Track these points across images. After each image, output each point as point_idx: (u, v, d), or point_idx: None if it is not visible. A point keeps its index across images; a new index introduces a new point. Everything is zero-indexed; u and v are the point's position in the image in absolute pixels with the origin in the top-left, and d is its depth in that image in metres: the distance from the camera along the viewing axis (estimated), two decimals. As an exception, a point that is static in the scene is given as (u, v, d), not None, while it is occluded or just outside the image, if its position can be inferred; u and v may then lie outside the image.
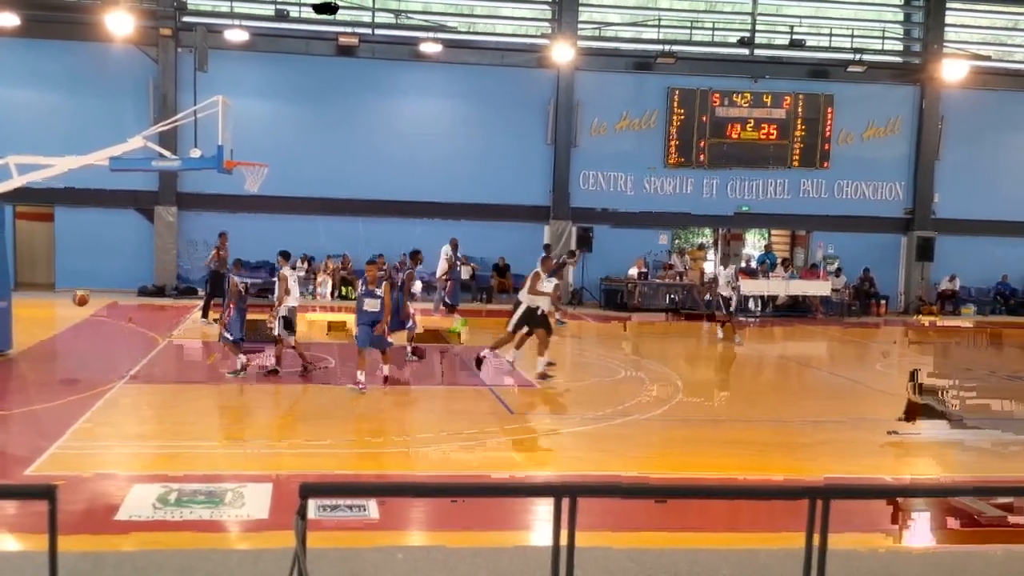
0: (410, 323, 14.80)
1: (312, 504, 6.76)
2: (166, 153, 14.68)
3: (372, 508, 7.08)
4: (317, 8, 20.83)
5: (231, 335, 12.47)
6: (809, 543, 4.35)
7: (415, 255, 16.19)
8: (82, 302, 12.89)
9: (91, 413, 10.16)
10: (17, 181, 13.25)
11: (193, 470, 8.18)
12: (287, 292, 12.62)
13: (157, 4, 23.90)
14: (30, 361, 13.70)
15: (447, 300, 18.54)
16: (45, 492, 3.93)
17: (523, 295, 13.11)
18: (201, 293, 23.97)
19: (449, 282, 18.52)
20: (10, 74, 23.69)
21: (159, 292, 23.74)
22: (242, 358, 12.51)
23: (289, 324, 12.70)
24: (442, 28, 25.57)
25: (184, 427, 10.05)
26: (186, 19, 24.24)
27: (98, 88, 23.80)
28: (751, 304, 26.13)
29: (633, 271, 25.61)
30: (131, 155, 13.76)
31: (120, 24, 21.80)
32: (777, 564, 6.25)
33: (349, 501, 7.11)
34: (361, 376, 11.74)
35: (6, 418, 10.14)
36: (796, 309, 25.45)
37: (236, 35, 23.67)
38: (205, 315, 18.54)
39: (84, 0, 22.98)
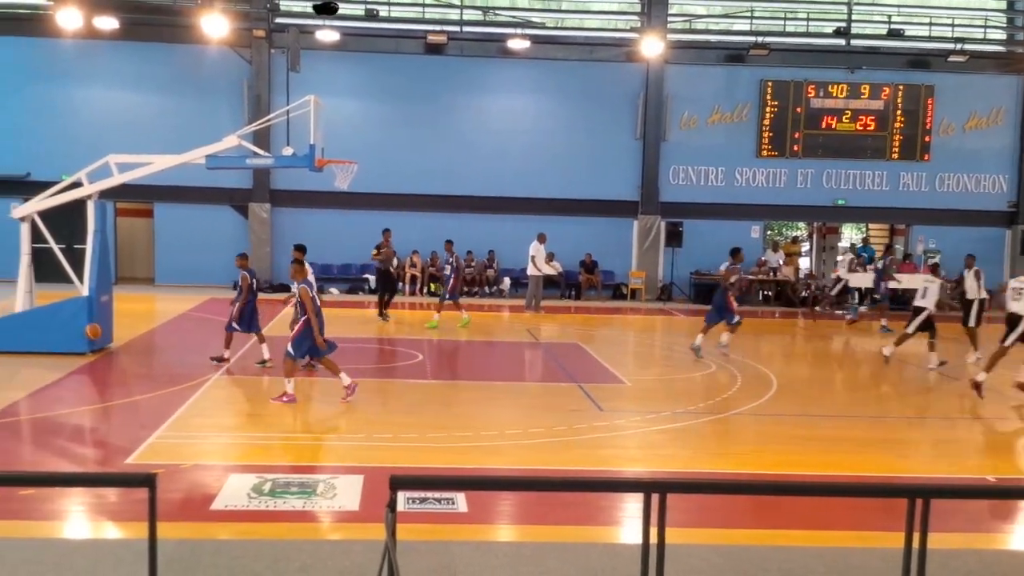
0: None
1: (401, 497, 6.80)
2: (260, 151, 14.97)
3: (461, 501, 7.06)
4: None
5: (239, 327, 12.91)
6: (908, 543, 4.20)
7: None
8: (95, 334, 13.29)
9: (188, 404, 10.44)
10: (117, 179, 13.69)
11: (287, 461, 8.30)
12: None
13: (251, 6, 24.50)
14: (130, 354, 14.19)
15: (447, 295, 18.32)
16: (145, 481, 4.01)
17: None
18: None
19: (452, 278, 18.26)
20: (110, 76, 24.62)
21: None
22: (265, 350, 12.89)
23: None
24: (530, 24, 25.55)
25: (277, 419, 10.22)
26: (279, 20, 24.79)
27: (194, 89, 24.54)
28: (849, 298, 25.48)
29: (724, 266, 25.06)
30: (226, 153, 14.05)
31: (215, 27, 22.39)
32: (873, 564, 6.08)
33: (438, 494, 7.10)
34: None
35: (108, 409, 10.50)
36: (895, 303, 24.62)
37: (327, 35, 24.09)
38: (381, 313, 19.02)
39: (181, 4, 23.67)
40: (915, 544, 4.19)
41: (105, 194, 14.21)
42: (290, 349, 10.63)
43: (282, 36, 23.64)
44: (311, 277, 11.46)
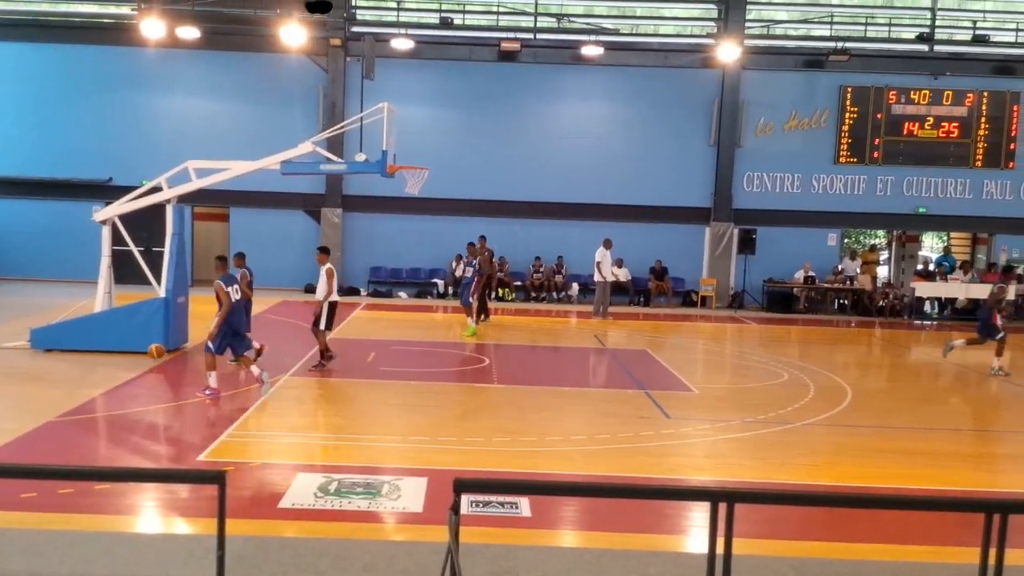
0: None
1: (465, 500, 6.80)
2: (333, 157, 15.20)
3: (524, 506, 7.02)
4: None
5: (212, 347, 11.06)
6: (984, 559, 4.07)
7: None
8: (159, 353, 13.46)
9: (259, 404, 10.63)
10: (195, 184, 14.05)
11: (353, 462, 8.37)
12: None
13: (327, 16, 24.92)
14: (204, 355, 14.45)
15: (469, 299, 18.04)
16: (215, 478, 4.08)
17: None
18: (364, 293, 24.91)
19: (474, 281, 18.06)
20: (191, 84, 25.29)
21: (325, 291, 24.64)
22: (212, 377, 11.05)
23: (331, 317, 12.96)
24: (604, 31, 25.47)
25: (345, 420, 10.34)
26: (355, 29, 25.16)
27: (271, 96, 25.07)
28: (927, 307, 24.84)
29: (799, 274, 24.79)
30: (301, 159, 14.29)
31: (293, 36, 22.85)
32: None
33: (502, 498, 7.08)
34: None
35: (181, 407, 10.74)
36: (976, 314, 23.87)
37: (402, 43, 24.36)
38: (485, 318, 19.31)
39: (260, 14, 24.23)
40: (991, 560, 4.08)
41: (183, 198, 14.60)
42: (209, 344, 11.07)
43: (358, 44, 24.00)
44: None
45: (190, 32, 23.55)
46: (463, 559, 4.15)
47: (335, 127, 17.58)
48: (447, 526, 4.02)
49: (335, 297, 13.01)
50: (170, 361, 13.39)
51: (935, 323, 23.94)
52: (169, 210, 14.13)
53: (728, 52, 24.14)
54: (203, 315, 16.92)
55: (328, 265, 13.04)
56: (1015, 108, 25.25)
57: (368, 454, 8.78)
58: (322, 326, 12.78)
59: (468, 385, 12.57)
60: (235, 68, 25.04)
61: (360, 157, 14.57)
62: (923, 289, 24.40)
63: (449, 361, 14.59)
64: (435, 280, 25.24)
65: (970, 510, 4.45)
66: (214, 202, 24.42)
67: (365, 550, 6.09)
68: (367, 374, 13.00)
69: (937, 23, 25.58)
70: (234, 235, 25.57)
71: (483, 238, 20.58)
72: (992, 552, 4.06)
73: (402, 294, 25.07)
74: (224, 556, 4.15)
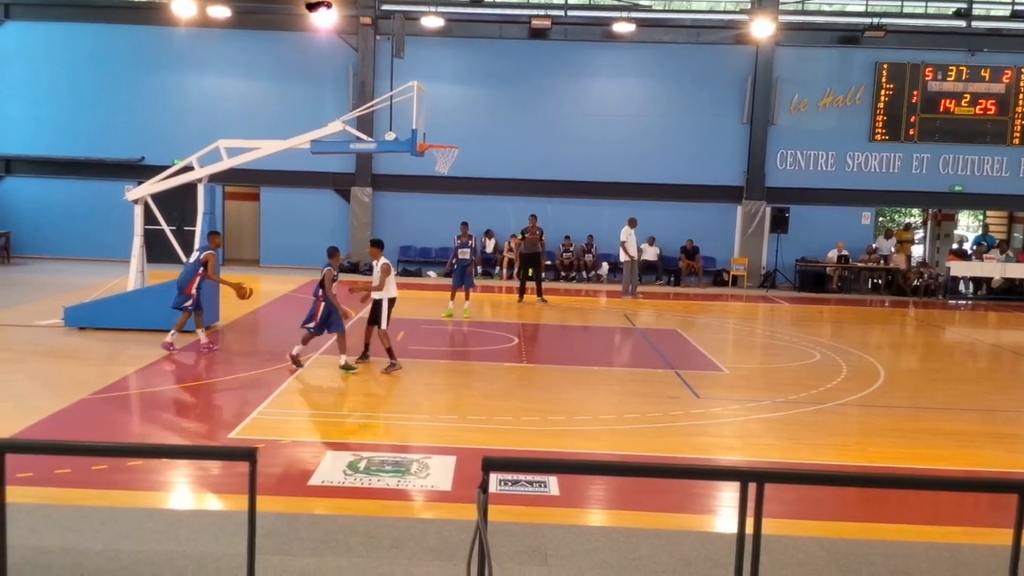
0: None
1: (494, 478, 6.78)
2: (363, 136, 15.18)
3: (553, 485, 7.01)
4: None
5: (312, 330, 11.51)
6: (1017, 539, 4.02)
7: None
8: (244, 295, 13.24)
9: (289, 382, 10.70)
10: (226, 163, 14.12)
11: (382, 440, 8.40)
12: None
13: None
14: (235, 333, 14.63)
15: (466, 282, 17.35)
16: (247, 455, 4.08)
17: None
18: (394, 272, 24.96)
19: (470, 263, 17.43)
20: (222, 64, 25.38)
21: (353, 269, 24.79)
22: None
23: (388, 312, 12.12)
24: (636, 7, 25.19)
25: (374, 399, 10.38)
26: (385, 7, 25.08)
27: (301, 76, 25.09)
28: (962, 287, 24.50)
29: (833, 253, 24.53)
30: (331, 138, 14.30)
31: (325, 16, 22.80)
32: (981, 560, 5.83)
33: (530, 477, 7.07)
34: None
35: (213, 385, 10.84)
36: (1013, 293, 23.66)
37: (432, 22, 24.26)
38: (541, 296, 19.45)
39: (290, -8, 24.23)
40: None
41: (215, 178, 14.67)
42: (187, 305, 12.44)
43: (388, 23, 23.92)
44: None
45: (221, 11, 23.62)
46: (491, 537, 4.14)
47: (365, 106, 17.58)
48: (475, 504, 4.01)
49: (394, 293, 12.12)
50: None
51: (970, 303, 23.62)
52: (200, 189, 14.22)
53: (762, 28, 23.78)
54: (233, 294, 17.07)
55: (384, 260, 12.38)
56: (1055, 84, 24.71)
57: (397, 432, 8.81)
58: (383, 325, 11.78)
59: (497, 364, 12.55)
60: (265, 47, 25.09)
61: (390, 136, 14.55)
62: (958, 268, 24.10)
63: (478, 340, 14.58)
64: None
65: (1003, 491, 4.39)
66: (245, 181, 24.56)
67: (394, 527, 6.11)
68: (397, 353, 12.99)
69: (974, -1, 25.07)
70: (264, 214, 25.73)
71: (533, 217, 20.48)
72: None
73: (431, 273, 25.10)
74: (255, 532, 4.17)
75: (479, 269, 24.51)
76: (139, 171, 23.32)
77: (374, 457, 7.66)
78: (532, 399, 10.35)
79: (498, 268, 24.90)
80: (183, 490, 7.01)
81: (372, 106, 17.19)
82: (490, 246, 25.11)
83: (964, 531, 6.52)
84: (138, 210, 14.47)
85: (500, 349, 13.76)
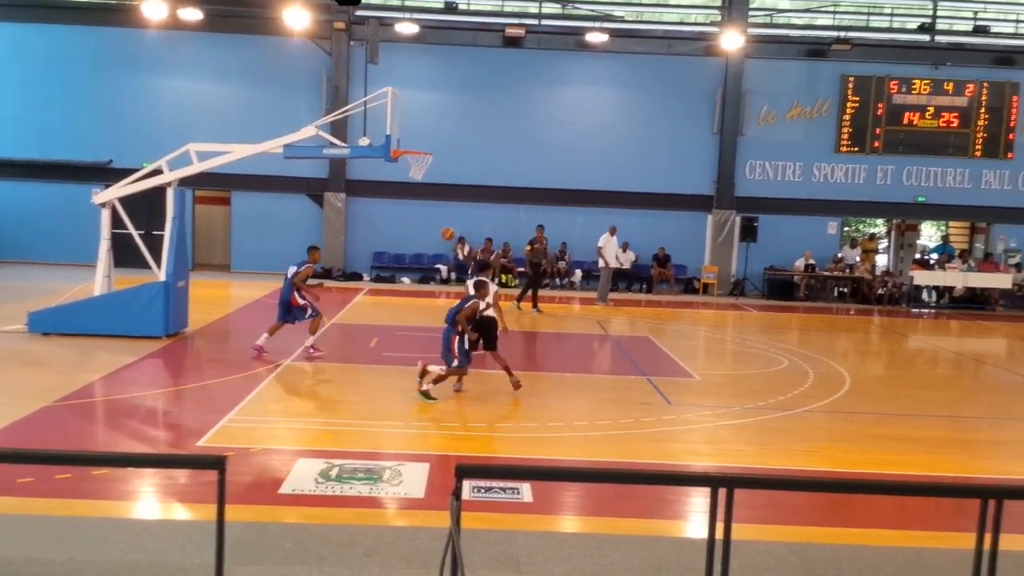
0: None
1: (467, 485, 6.77)
2: (337, 142, 15.09)
3: (526, 492, 7.00)
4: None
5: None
6: (979, 544, 4.13)
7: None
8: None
9: (260, 389, 10.60)
10: (197, 167, 13.98)
11: (354, 447, 8.33)
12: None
13: (331, -1, 24.84)
14: (204, 339, 14.47)
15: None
16: (215, 463, 4.04)
17: None
18: (367, 278, 24.89)
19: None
20: (193, 67, 25.19)
21: (326, 275, 24.62)
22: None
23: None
24: (608, 18, 25.35)
25: (346, 406, 10.31)
26: (359, 13, 25.00)
27: (274, 80, 24.97)
28: (925, 295, 24.89)
29: (800, 262, 24.83)
30: (304, 143, 14.20)
31: (296, 19, 22.72)
32: (945, 564, 5.93)
33: (504, 484, 7.06)
34: None
35: (181, 392, 10.70)
36: (974, 302, 24.15)
37: (406, 28, 24.25)
38: (535, 307, 19.38)
39: (263, -4, 24.11)
40: (987, 545, 4.13)
41: (184, 182, 14.54)
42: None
43: (362, 28, 23.90)
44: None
45: (192, 13, 23.42)
46: (464, 544, 4.13)
47: (338, 111, 17.51)
48: (448, 511, 4.00)
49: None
50: (170, 345, 13.34)
51: (933, 311, 24.00)
52: (170, 193, 14.05)
53: (731, 41, 24.04)
54: (203, 299, 16.96)
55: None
56: (1014, 99, 25.35)
57: (370, 440, 8.74)
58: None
59: (471, 371, 12.49)
60: (238, 51, 24.94)
61: (364, 142, 14.48)
62: (921, 277, 24.52)
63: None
64: (438, 265, 25.21)
65: (967, 496, 4.55)
66: (215, 186, 24.36)
67: (366, 535, 6.06)
68: (370, 359, 12.98)
69: (938, 13, 25.61)
70: (235, 219, 25.53)
71: (541, 227, 20.48)
72: (987, 537, 4.12)
73: (405, 279, 25.05)
74: (224, 542, 4.12)
75: (453, 275, 24.56)
76: (107, 174, 23.01)
77: (346, 465, 7.60)
78: (506, 406, 10.34)
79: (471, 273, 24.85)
80: (150, 499, 6.91)
81: (346, 111, 17.13)
82: (463, 253, 25.07)
83: (929, 535, 6.63)
84: (105, 214, 14.25)
85: (474, 356, 13.68)
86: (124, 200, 14.24)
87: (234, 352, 13.47)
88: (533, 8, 25.42)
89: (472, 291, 10.75)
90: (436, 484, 7.11)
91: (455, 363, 10.39)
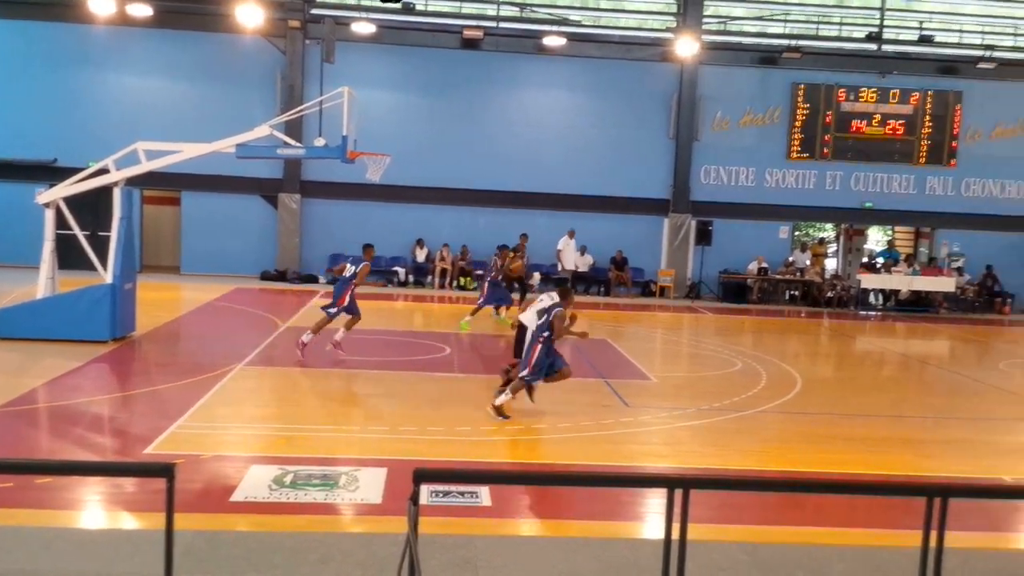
0: None
1: (425, 490, 6.68)
2: (291, 142, 14.89)
3: (485, 495, 6.95)
4: None
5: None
6: (926, 542, 4.24)
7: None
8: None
9: (211, 395, 10.36)
10: (145, 167, 13.64)
11: (309, 453, 8.19)
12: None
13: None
14: (153, 343, 14.14)
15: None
16: (164, 471, 3.99)
17: None
18: (323, 280, 24.59)
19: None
20: (142, 64, 24.68)
21: (280, 277, 24.37)
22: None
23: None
24: (566, 21, 25.42)
25: (301, 411, 10.15)
26: (314, 11, 24.75)
27: (227, 78, 24.59)
28: (872, 298, 25.50)
29: (753, 266, 25.15)
30: (257, 143, 13.98)
31: (250, 16, 22.37)
32: (894, 562, 6.04)
33: (462, 488, 7.00)
34: None
35: (129, 398, 10.44)
36: (919, 305, 24.77)
37: (363, 27, 24.01)
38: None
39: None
40: (932, 543, 4.23)
41: (132, 181, 14.19)
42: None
43: (317, 27, 23.64)
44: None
45: (142, 9, 22.95)
46: (422, 550, 4.08)
47: (293, 111, 17.28)
48: (406, 517, 3.93)
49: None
50: (117, 350, 13.02)
51: (880, 314, 24.48)
52: (117, 193, 13.69)
53: (686, 47, 24.24)
54: (152, 302, 16.61)
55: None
56: (957, 108, 25.92)
57: (325, 445, 8.62)
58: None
59: (429, 374, 12.43)
60: (189, 48, 24.50)
61: (319, 142, 14.31)
62: (868, 281, 25.03)
63: (410, 350, 14.44)
64: (396, 268, 24.99)
65: (913, 494, 4.63)
66: (165, 185, 23.87)
67: (321, 543, 5.95)
68: (325, 363, 12.81)
69: (885, 23, 26.07)
70: (185, 220, 25.09)
71: (524, 236, 20.31)
72: (933, 535, 4.21)
73: (361, 282, 24.78)
74: (172, 551, 4.01)
75: (411, 278, 24.44)
76: (52, 173, 22.37)
77: (301, 471, 7.45)
78: (465, 409, 10.26)
79: (430, 277, 24.71)
80: (96, 509, 6.71)
81: (301, 111, 16.90)
82: (421, 256, 24.95)
83: (878, 534, 6.75)
84: (49, 214, 13.80)
85: (432, 359, 13.64)
86: (69, 200, 13.82)
87: (185, 356, 13.23)
88: (491, 10, 25.37)
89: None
90: (393, 489, 7.00)
91: (526, 375, 9.80)
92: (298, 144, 15.59)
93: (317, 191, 24.77)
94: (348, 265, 13.28)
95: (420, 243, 24.91)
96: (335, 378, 11.72)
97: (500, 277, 17.36)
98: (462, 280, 24.50)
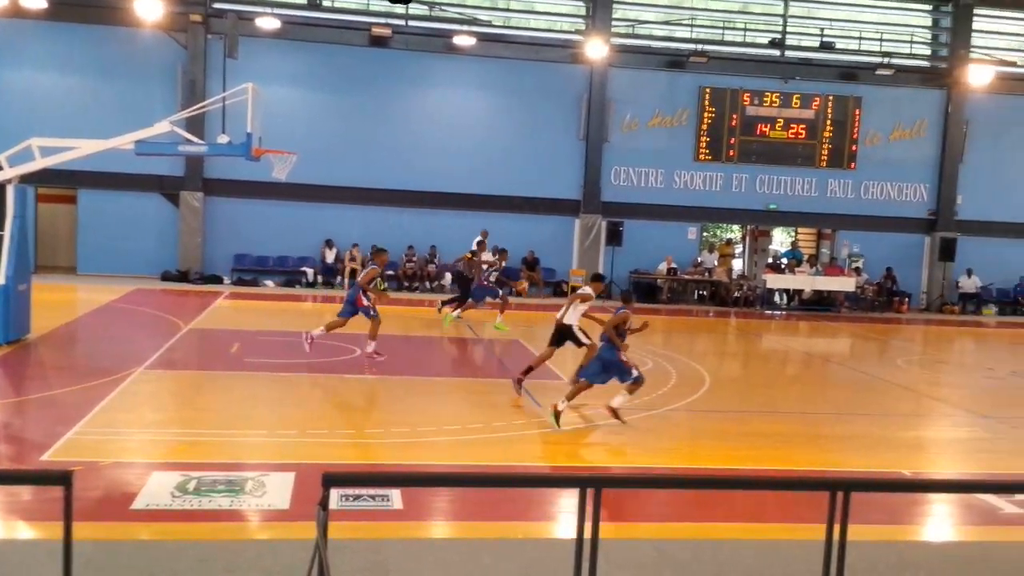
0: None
1: (335, 494, 6.58)
2: (193, 138, 14.53)
3: (396, 498, 6.88)
4: None
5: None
6: (829, 535, 4.34)
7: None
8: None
9: (110, 399, 9.99)
10: (40, 163, 13.12)
11: (213, 459, 7.99)
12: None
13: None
14: (49, 346, 13.59)
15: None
16: (61, 478, 3.84)
17: None
18: (227, 281, 24.02)
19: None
20: (36, 58, 23.73)
21: (182, 277, 23.71)
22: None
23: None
24: (476, 21, 25.40)
25: (205, 415, 9.89)
26: (217, 6, 24.18)
27: (126, 73, 23.80)
28: (777, 298, 26.22)
29: (663, 266, 25.62)
30: (157, 139, 13.60)
31: (149, 9, 21.72)
32: (800, 555, 6.19)
33: (373, 491, 6.91)
34: None
35: (23, 404, 10.02)
36: (821, 304, 25.66)
37: (267, 23, 23.57)
38: (446, 311, 18.37)
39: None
40: (836, 536, 4.32)
41: (26, 179, 13.57)
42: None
43: (220, 22, 23.08)
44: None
45: (35, 1, 22.00)
46: (332, 555, 4.01)
47: (195, 107, 16.82)
48: (315, 522, 3.86)
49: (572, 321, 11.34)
50: (10, 353, 12.45)
51: (784, 313, 25.25)
52: (10, 191, 13.08)
53: (595, 49, 24.54)
54: (47, 304, 15.94)
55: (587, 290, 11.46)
56: (856, 112, 26.89)
57: (231, 450, 8.41)
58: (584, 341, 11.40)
59: (338, 376, 12.27)
60: (86, 41, 23.64)
61: (223, 139, 13.98)
62: (773, 281, 25.77)
63: (319, 352, 14.20)
64: (304, 268, 24.59)
65: (817, 489, 4.76)
66: (61, 183, 22.95)
67: (227, 550, 5.82)
68: (230, 366, 12.51)
69: (788, 30, 26.92)
70: (82, 219, 24.17)
71: (485, 232, 20.19)
72: (836, 528, 4.30)
73: (268, 282, 24.31)
74: (71, 562, 3.86)
75: (320, 279, 24.10)
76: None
77: (205, 477, 7.26)
78: (376, 411, 10.18)
79: (339, 278, 24.37)
80: (-12, 518, 6.41)
81: (203, 107, 16.47)
82: (330, 256, 24.59)
83: (785, 527, 6.91)
84: (-64, 212, 13.18)
85: (342, 360, 13.45)
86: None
87: (83, 359, 12.74)
88: (400, 8, 25.17)
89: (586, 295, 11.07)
90: (302, 494, 6.87)
91: (635, 376, 9.86)
92: (200, 141, 15.22)
93: (221, 189, 24.17)
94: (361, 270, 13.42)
95: (329, 243, 24.57)
96: (241, 381, 11.46)
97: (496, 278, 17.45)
98: (377, 282, 24.17)
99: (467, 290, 18.31)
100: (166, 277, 23.85)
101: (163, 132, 13.35)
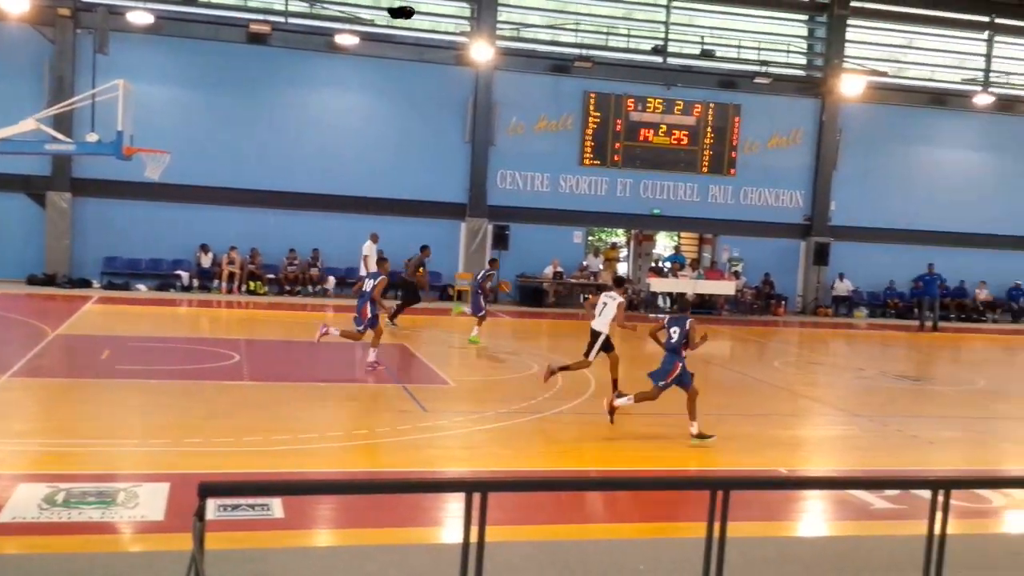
0: None
1: (212, 504, 6.40)
2: (60, 137, 13.94)
3: (276, 507, 6.75)
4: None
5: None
6: (710, 532, 4.44)
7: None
8: None
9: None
10: None
11: (83, 469, 7.65)
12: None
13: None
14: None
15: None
16: None
17: None
18: (97, 284, 23.00)
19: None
20: None
21: (50, 281, 22.57)
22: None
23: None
24: (358, 20, 25.08)
25: (74, 424, 9.46)
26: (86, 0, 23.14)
27: (-12, 68, 22.51)
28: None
29: (549, 270, 25.87)
30: (22, 137, 12.98)
31: (14, 2, 20.63)
32: (682, 552, 6.34)
33: (252, 500, 6.75)
34: None
35: None
36: (702, 307, 26.31)
37: (139, 17, 22.65)
38: (392, 320, 17.89)
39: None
40: (716, 533, 4.43)
41: None
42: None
43: (89, 16, 22.07)
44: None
45: None
46: (210, 567, 3.91)
47: (63, 104, 16.11)
48: (191, 533, 3.75)
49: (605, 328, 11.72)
50: None
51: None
52: None
53: (481, 52, 24.61)
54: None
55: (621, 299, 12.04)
56: (736, 120, 27.69)
57: (101, 460, 8.08)
58: (591, 357, 11.89)
59: (216, 383, 11.92)
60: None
61: (92, 137, 13.47)
62: (657, 285, 26.36)
63: (195, 358, 13.78)
64: (179, 272, 23.73)
65: (698, 488, 4.94)
66: (-85, 182, 21.54)
67: (97, 563, 5.61)
68: (100, 373, 11.99)
69: (670, 37, 27.49)
70: (-62, 220, 22.72)
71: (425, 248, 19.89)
72: (717, 526, 4.42)
73: (141, 286, 23.35)
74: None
75: (195, 283, 23.36)
76: None
77: (74, 488, 6.95)
78: (255, 418, 9.92)
79: (217, 282, 23.65)
80: None
81: (71, 104, 15.80)
82: (206, 260, 23.83)
83: (668, 526, 7.10)
84: None
85: (220, 367, 13.07)
86: None
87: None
88: (279, 5, 24.65)
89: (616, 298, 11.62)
90: (177, 505, 6.65)
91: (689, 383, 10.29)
92: (68, 139, 14.63)
93: (91, 189, 23.09)
94: (367, 280, 13.61)
95: (204, 247, 23.76)
96: (112, 389, 11.00)
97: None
98: (251, 284, 23.64)
99: (413, 297, 18.19)
100: (32, 281, 22.66)
101: (29, 130, 12.74)
